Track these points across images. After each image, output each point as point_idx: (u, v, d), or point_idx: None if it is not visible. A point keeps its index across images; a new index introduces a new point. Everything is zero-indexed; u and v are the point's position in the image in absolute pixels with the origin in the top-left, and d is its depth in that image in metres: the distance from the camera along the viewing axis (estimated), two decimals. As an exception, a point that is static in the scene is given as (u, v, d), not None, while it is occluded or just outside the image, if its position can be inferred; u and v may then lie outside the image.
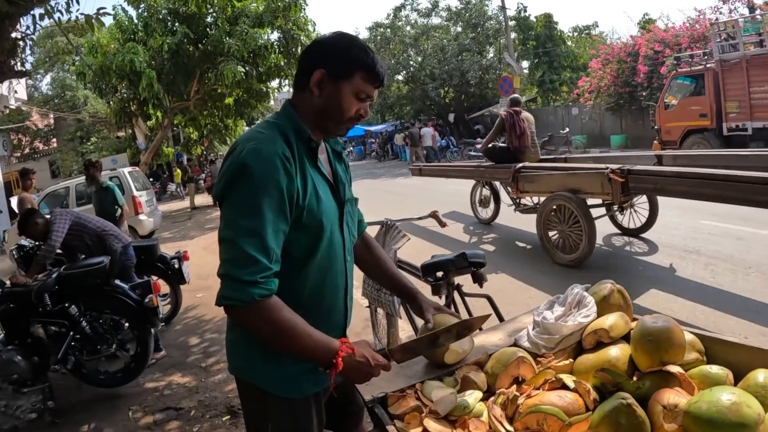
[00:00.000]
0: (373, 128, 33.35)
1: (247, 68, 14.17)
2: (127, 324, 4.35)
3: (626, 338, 1.67)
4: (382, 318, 4.28)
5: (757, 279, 5.29)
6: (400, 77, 31.81)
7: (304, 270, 1.54)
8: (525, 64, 31.21)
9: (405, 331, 4.78)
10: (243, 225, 1.38)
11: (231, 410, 3.78)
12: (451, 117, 29.74)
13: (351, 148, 35.94)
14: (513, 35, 28.30)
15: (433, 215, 3.85)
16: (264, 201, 1.39)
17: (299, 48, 14.91)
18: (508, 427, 1.44)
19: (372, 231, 3.82)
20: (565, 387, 1.50)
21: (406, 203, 12.90)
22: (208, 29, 14.61)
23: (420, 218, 3.95)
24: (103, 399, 4.25)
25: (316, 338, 1.46)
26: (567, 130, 21.12)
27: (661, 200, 9.41)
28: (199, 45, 14.76)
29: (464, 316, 3.23)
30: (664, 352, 1.45)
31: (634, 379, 1.51)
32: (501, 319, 3.02)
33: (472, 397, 1.56)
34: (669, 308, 4.82)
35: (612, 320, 1.67)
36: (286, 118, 1.57)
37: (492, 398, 1.60)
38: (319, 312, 1.61)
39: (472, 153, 22.09)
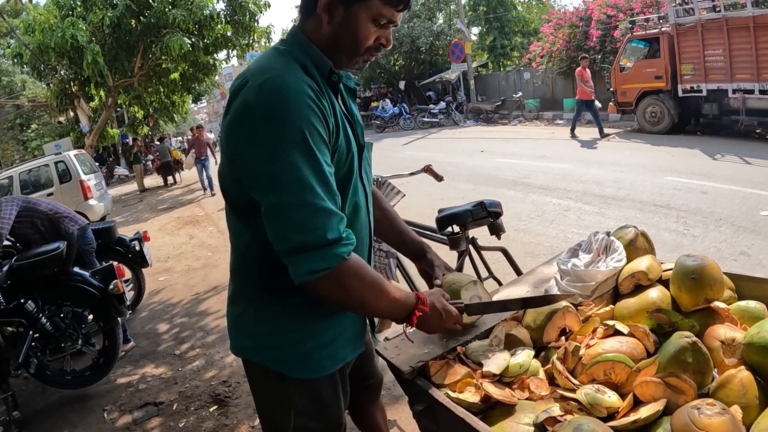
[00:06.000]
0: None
1: (192, 40, 13.59)
2: (91, 316, 4.00)
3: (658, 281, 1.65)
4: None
5: (727, 230, 5.46)
6: (349, 45, 31.08)
7: None
8: (475, 30, 31.17)
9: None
10: (298, 177, 1.14)
11: (217, 399, 3.52)
12: (402, 84, 29.38)
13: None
14: (463, 1, 28.05)
15: (427, 169, 3.59)
16: (311, 141, 1.16)
17: (247, 16, 14.38)
18: (576, 382, 1.32)
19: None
20: (618, 333, 1.43)
21: (366, 170, 12.62)
22: (150, 1, 13.82)
23: (412, 173, 3.70)
24: (73, 401, 3.88)
25: (397, 293, 1.34)
26: (520, 94, 21.24)
27: (623, 158, 9.82)
28: (142, 18, 14.04)
29: (482, 271, 3.17)
30: (709, 289, 1.42)
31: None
32: (518, 272, 2.91)
33: (525, 354, 1.43)
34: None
35: (647, 262, 1.63)
36: (299, 48, 1.32)
37: (543, 353, 1.49)
38: None
39: (426, 119, 22.14)
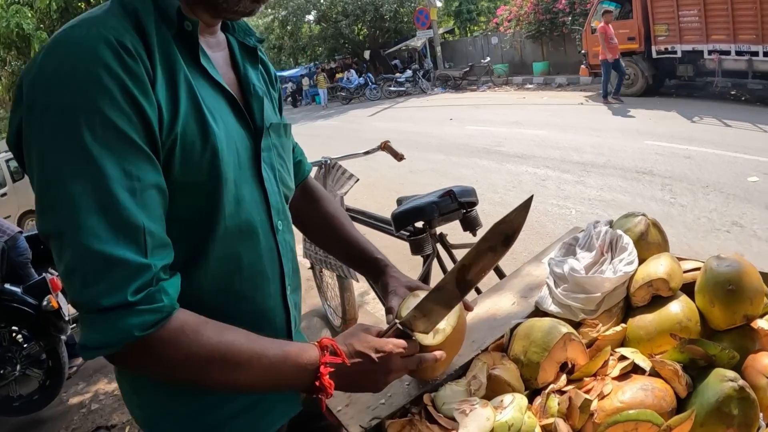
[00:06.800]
0: (286, 73, 31.93)
1: (146, 19, 12.97)
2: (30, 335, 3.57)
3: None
4: (331, 279, 3.70)
5: (716, 198, 5.27)
6: (310, 17, 30.44)
7: (196, 259, 0.90)
8: (440, -5, 30.58)
9: (365, 294, 4.26)
10: (62, 199, 0.72)
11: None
12: (367, 54, 28.93)
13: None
14: (426, -35, 27.47)
15: (385, 147, 3.06)
16: (90, 140, 0.72)
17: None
18: None
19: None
20: (636, 369, 1.06)
21: (331, 144, 12.06)
22: (99, -19, 13.10)
23: (368, 152, 3.16)
24: (27, 427, 3.51)
25: (276, 353, 0.85)
26: (488, 59, 20.90)
27: (599, 122, 9.63)
28: (91, 0, 13.21)
29: None
30: (749, 303, 1.08)
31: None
32: (500, 274, 2.36)
33: (515, 406, 1.00)
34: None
35: (667, 266, 1.22)
36: None
37: (540, 399, 1.06)
38: (236, 326, 0.92)
39: (392, 89, 21.79)
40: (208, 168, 0.85)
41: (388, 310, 1.12)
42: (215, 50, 0.98)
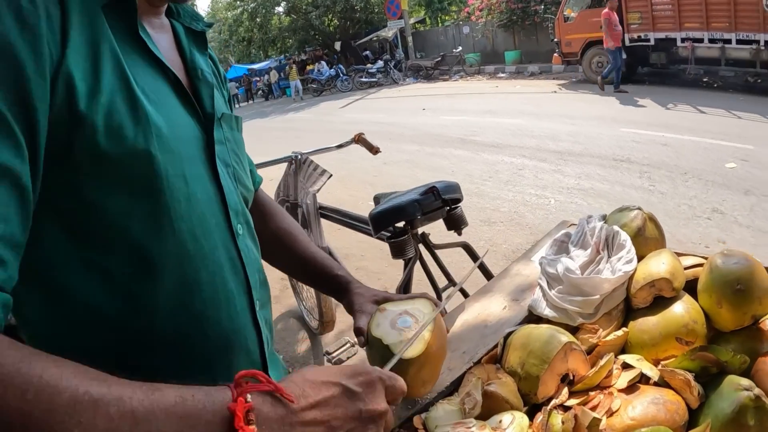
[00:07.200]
0: (256, 66, 31.54)
1: None
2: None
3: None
4: (307, 281, 3.47)
5: (696, 184, 5.23)
6: (280, 8, 30.27)
7: (144, 272, 0.70)
8: (411, -16, 30.57)
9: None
10: None
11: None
12: (338, 45, 28.86)
13: (236, 90, 33.48)
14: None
15: (359, 139, 2.88)
16: None
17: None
18: None
19: (278, 171, 2.98)
20: (640, 378, 0.98)
21: (304, 137, 11.82)
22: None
23: (341, 146, 2.96)
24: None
25: (141, 399, 0.50)
26: (460, 48, 20.94)
27: (574, 110, 9.61)
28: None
29: (441, 281, 2.36)
30: (758, 303, 1.00)
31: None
32: (488, 274, 2.21)
33: (515, 427, 0.89)
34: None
35: (668, 264, 1.13)
36: None
37: (540, 415, 0.93)
38: (201, 352, 0.78)
39: (363, 80, 21.73)
40: (142, 155, 0.67)
41: (357, 331, 0.98)
42: (159, 32, 0.84)
